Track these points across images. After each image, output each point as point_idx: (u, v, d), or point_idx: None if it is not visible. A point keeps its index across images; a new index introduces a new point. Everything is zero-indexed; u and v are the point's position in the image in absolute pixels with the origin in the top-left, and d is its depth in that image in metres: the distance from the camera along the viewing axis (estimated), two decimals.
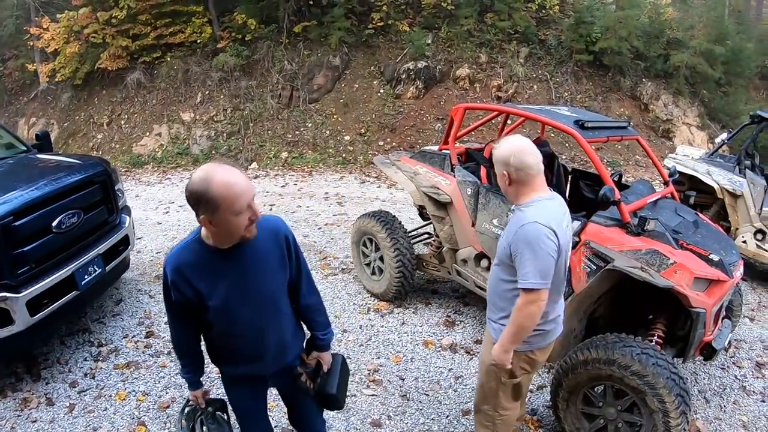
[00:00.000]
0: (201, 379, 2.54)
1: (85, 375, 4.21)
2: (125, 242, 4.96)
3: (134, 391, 4.04)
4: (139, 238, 6.77)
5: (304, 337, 2.63)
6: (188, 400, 2.57)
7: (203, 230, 2.12)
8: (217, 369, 2.65)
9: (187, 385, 2.53)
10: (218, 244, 2.11)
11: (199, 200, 1.93)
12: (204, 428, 2.49)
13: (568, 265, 2.78)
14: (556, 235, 2.52)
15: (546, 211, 2.59)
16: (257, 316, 2.26)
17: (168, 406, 3.87)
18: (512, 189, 2.71)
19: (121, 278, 5.52)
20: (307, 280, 2.48)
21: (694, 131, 13.37)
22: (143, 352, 4.52)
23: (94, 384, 4.10)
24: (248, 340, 2.32)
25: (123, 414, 3.80)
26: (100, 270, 4.48)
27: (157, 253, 6.51)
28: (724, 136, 7.58)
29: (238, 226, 2.01)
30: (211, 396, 2.65)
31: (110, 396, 3.97)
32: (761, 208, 6.53)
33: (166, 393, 4.03)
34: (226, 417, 2.63)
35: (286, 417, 2.93)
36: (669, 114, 13.35)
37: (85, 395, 3.97)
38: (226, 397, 2.66)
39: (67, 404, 3.89)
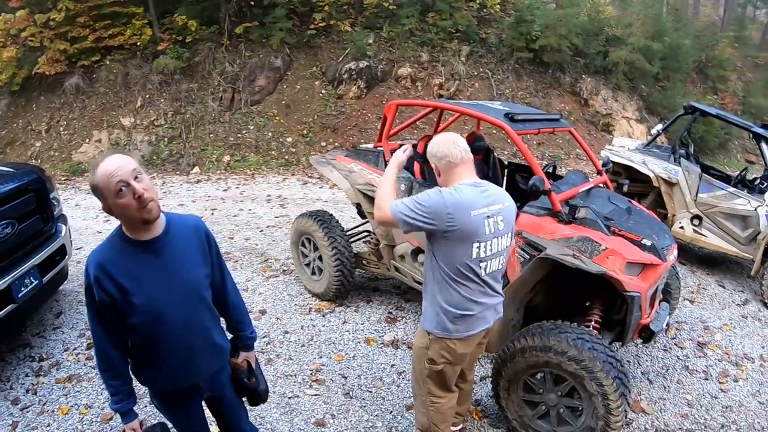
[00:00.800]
0: (135, 408, 2.28)
1: (27, 391, 4.02)
2: (62, 252, 4.76)
3: (77, 404, 3.89)
4: (79, 248, 6.56)
5: (227, 339, 2.52)
6: None
7: (122, 224, 2.11)
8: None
9: (122, 418, 2.24)
10: (137, 233, 2.08)
11: (94, 191, 2.01)
12: None
13: (491, 254, 2.74)
14: (452, 216, 2.58)
15: (458, 194, 2.64)
16: (183, 311, 2.18)
17: (111, 418, 3.73)
18: (441, 179, 2.81)
19: (60, 290, 5.33)
20: (230, 279, 2.48)
21: (633, 124, 13.71)
22: (84, 365, 4.35)
23: (36, 400, 3.92)
24: (178, 341, 2.20)
25: (66, 429, 3.65)
26: (37, 282, 4.26)
27: None
28: (659, 126, 7.75)
29: (128, 207, 1.97)
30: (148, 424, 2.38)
31: (53, 411, 3.81)
32: (696, 195, 6.68)
33: (109, 405, 3.86)
34: None
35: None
36: (608, 108, 13.65)
37: (27, 412, 3.80)
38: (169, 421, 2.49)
39: (10, 422, 3.71)
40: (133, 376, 2.29)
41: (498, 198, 2.79)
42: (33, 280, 4.21)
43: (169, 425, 2.44)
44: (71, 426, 3.66)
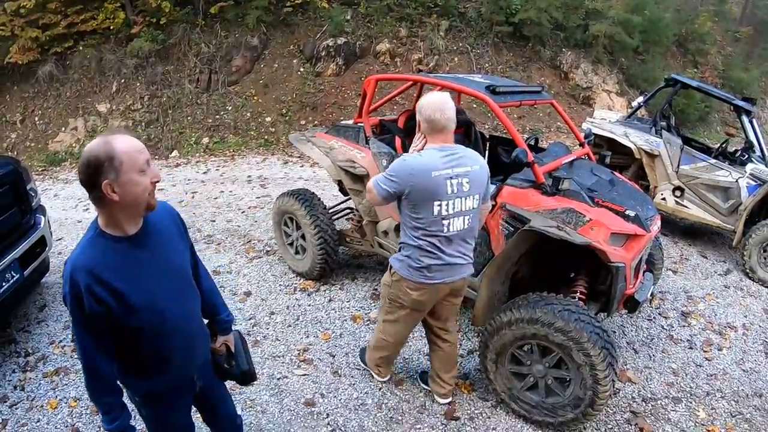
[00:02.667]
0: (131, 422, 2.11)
1: (15, 387, 3.94)
2: (42, 244, 4.65)
3: (65, 397, 3.81)
4: (59, 239, 6.44)
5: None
6: None
7: (101, 220, 1.89)
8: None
9: None
10: (124, 227, 1.90)
11: (102, 162, 1.74)
12: None
13: (454, 212, 2.96)
14: (414, 176, 2.86)
15: (420, 158, 2.93)
16: (180, 300, 2.11)
17: None
18: (421, 135, 3.06)
19: (42, 282, 5.21)
20: (201, 263, 2.43)
21: (613, 97, 13.72)
22: (71, 357, 4.26)
23: (24, 396, 3.84)
24: (181, 332, 2.13)
25: (56, 423, 3.58)
26: (18, 275, 4.16)
27: None
28: (640, 99, 7.76)
29: (144, 188, 1.82)
30: None
31: (42, 406, 3.73)
32: (678, 167, 6.71)
33: None
34: None
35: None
36: (589, 82, 13.63)
37: (16, 409, 3.71)
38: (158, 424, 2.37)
39: (0, 420, 3.63)
40: (132, 386, 2.19)
41: (466, 161, 2.97)
42: (14, 274, 4.12)
43: None
44: (61, 420, 3.60)
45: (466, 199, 2.95)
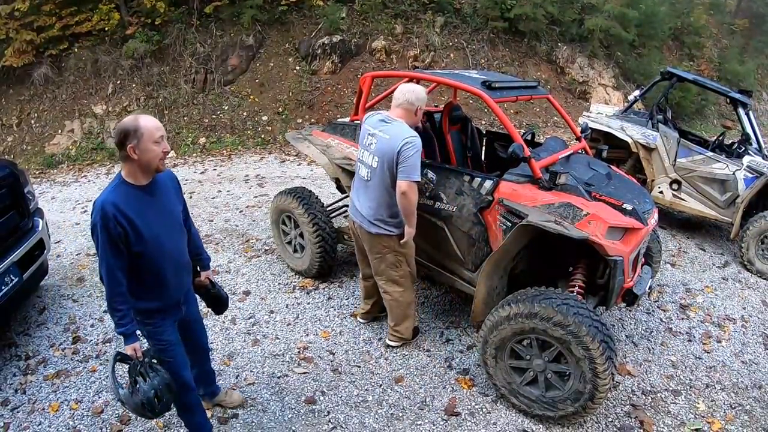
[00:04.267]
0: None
1: (16, 391, 3.92)
2: (41, 247, 4.65)
3: (67, 400, 3.81)
4: (58, 242, 6.41)
5: None
6: (116, 357, 2.73)
7: (124, 172, 2.58)
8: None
9: (125, 340, 2.67)
10: (139, 179, 2.60)
11: (129, 131, 2.46)
12: (146, 380, 2.65)
13: (359, 160, 3.81)
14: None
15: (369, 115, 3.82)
16: (173, 237, 2.81)
17: (102, 411, 3.67)
18: None
19: (42, 285, 5.21)
20: (190, 217, 3.14)
21: (609, 91, 13.71)
22: (72, 359, 4.26)
23: (25, 399, 3.83)
24: (174, 261, 2.80)
25: (58, 425, 3.58)
26: (17, 279, 4.16)
27: (77, 254, 6.11)
28: (636, 92, 7.76)
29: (156, 155, 2.54)
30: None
31: (43, 409, 3.73)
32: (675, 160, 6.71)
33: (99, 398, 3.82)
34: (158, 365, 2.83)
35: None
36: (585, 76, 13.63)
37: (18, 412, 3.70)
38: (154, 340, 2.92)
39: (1, 424, 3.62)
40: (133, 302, 2.71)
41: (387, 130, 3.57)
42: (13, 278, 4.12)
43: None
44: (63, 423, 3.60)
45: (369, 155, 3.64)
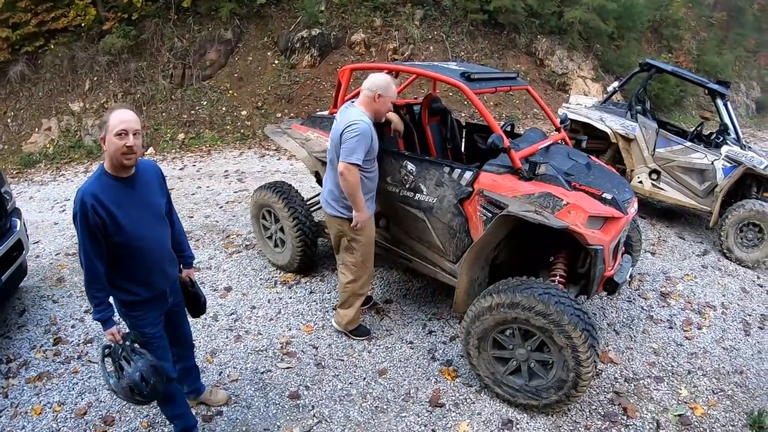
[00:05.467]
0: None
1: None
2: (19, 247, 4.56)
3: (49, 402, 3.74)
4: (37, 242, 6.30)
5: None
6: (104, 351, 2.79)
7: (105, 163, 2.61)
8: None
9: (103, 326, 2.73)
10: (118, 171, 2.61)
11: (102, 122, 2.53)
12: (131, 364, 2.68)
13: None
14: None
15: None
16: (155, 229, 2.80)
17: (85, 413, 3.61)
18: None
19: (21, 287, 5.11)
20: (174, 210, 3.12)
21: (589, 83, 13.80)
22: (53, 361, 4.19)
23: (8, 403, 3.74)
24: (155, 253, 2.80)
25: (41, 429, 3.51)
26: None
27: (56, 254, 6.01)
28: (615, 84, 7.80)
29: (117, 148, 2.50)
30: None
31: (26, 413, 3.65)
32: (654, 150, 6.76)
33: (82, 399, 3.76)
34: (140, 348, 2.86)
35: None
36: (564, 68, 13.70)
37: (0, 416, 3.63)
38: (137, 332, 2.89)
39: None
40: (117, 294, 2.78)
41: (341, 115, 3.78)
42: None
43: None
44: (46, 426, 3.54)
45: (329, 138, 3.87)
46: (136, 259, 2.73)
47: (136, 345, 2.78)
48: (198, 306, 3.32)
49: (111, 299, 2.75)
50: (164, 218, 2.92)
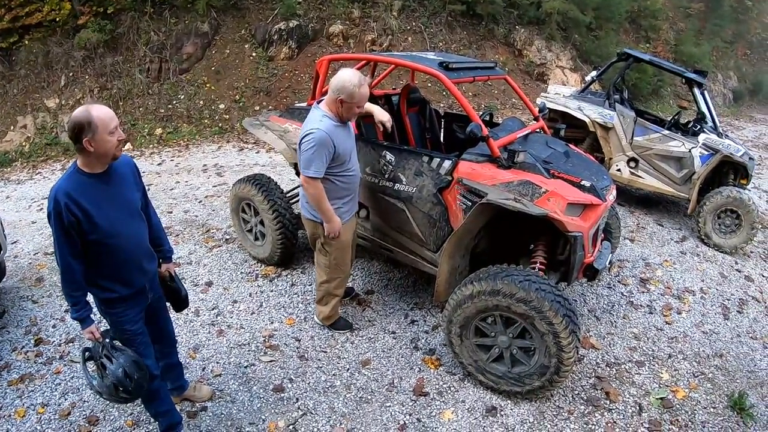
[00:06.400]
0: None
1: None
2: None
3: (33, 404, 3.68)
4: (15, 242, 6.18)
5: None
6: (84, 353, 2.76)
7: (79, 161, 2.55)
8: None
9: (81, 325, 2.71)
10: (94, 168, 2.57)
11: (83, 125, 2.42)
12: (113, 361, 2.66)
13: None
14: None
15: None
16: (130, 225, 2.76)
17: (69, 413, 3.56)
18: None
19: (0, 287, 5.02)
20: (151, 204, 3.11)
21: (567, 73, 13.86)
22: (35, 362, 4.12)
23: None
24: (131, 249, 2.76)
25: (25, 431, 3.46)
26: None
27: (35, 254, 5.90)
28: (593, 73, 7.82)
29: (113, 145, 2.51)
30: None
31: (9, 416, 3.59)
32: (632, 138, 6.82)
33: (65, 400, 3.70)
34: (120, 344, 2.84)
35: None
36: (543, 58, 13.75)
37: None
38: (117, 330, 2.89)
39: None
40: (96, 292, 2.75)
41: (306, 118, 3.58)
42: None
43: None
44: (30, 428, 3.48)
45: None
46: (112, 256, 2.70)
47: (116, 342, 2.76)
48: (179, 300, 3.28)
49: (90, 298, 2.72)
50: (140, 213, 2.89)
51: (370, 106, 4.03)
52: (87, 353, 2.73)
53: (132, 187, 2.84)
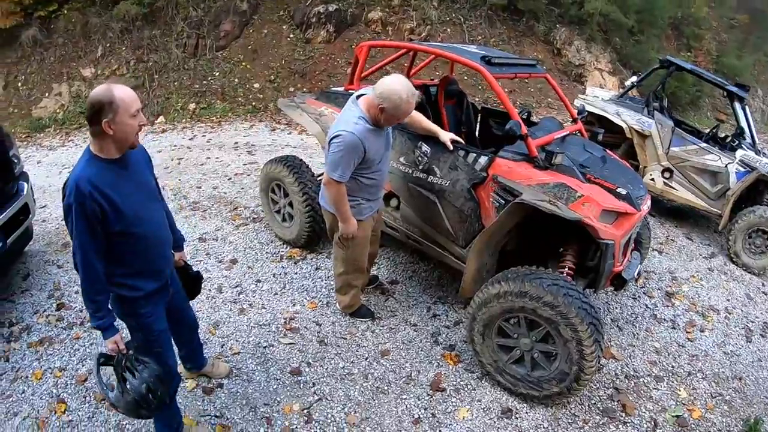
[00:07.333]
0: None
1: None
2: (25, 211, 4.52)
3: (50, 368, 3.74)
4: (43, 207, 6.27)
5: None
6: (98, 360, 2.55)
7: (94, 147, 2.34)
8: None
9: (103, 334, 2.50)
10: (112, 153, 2.36)
11: (104, 105, 2.21)
12: (135, 375, 2.48)
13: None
14: None
15: None
16: (152, 211, 2.61)
17: (86, 379, 3.61)
18: None
19: (26, 251, 5.10)
20: (160, 188, 2.90)
21: (605, 76, 13.64)
22: (56, 326, 4.18)
23: (9, 367, 3.75)
24: (156, 237, 2.61)
25: (41, 394, 3.51)
26: (0, 244, 4.05)
27: (62, 220, 5.93)
28: (634, 78, 7.71)
29: (133, 129, 2.32)
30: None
31: (26, 377, 3.65)
32: (668, 148, 6.70)
33: (83, 365, 3.75)
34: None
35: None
36: (581, 59, 13.53)
37: (1, 380, 3.63)
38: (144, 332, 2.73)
39: None
40: (120, 292, 2.55)
41: (341, 113, 3.49)
42: None
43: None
44: (46, 390, 3.54)
45: None
46: (137, 246, 2.52)
47: (139, 354, 2.57)
48: (196, 287, 3.23)
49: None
50: (159, 199, 2.76)
51: (434, 128, 3.90)
52: (102, 359, 2.54)
53: (147, 172, 2.68)
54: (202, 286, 3.40)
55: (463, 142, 3.92)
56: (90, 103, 2.24)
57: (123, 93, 2.26)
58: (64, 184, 2.32)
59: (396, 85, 3.15)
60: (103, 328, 2.47)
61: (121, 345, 2.52)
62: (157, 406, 2.53)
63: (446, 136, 3.82)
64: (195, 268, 3.25)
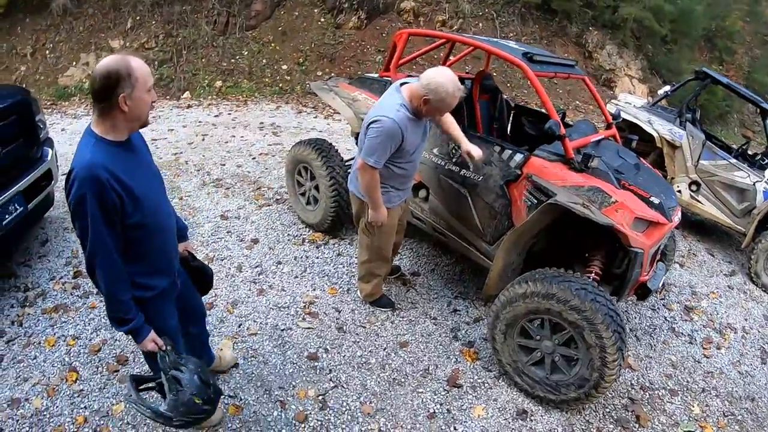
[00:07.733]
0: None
1: (12, 323, 3.85)
2: (48, 177, 4.52)
3: (64, 335, 3.75)
4: (65, 174, 6.25)
5: None
6: (137, 384, 2.33)
7: (100, 128, 2.06)
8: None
9: (137, 338, 2.26)
10: (122, 134, 2.11)
11: (122, 75, 1.95)
12: (183, 369, 2.31)
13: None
14: None
15: None
16: (162, 193, 2.40)
17: (99, 350, 3.61)
18: None
19: (46, 217, 5.12)
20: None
21: (635, 83, 13.51)
22: (71, 294, 4.19)
23: (22, 332, 3.76)
24: (168, 227, 2.42)
25: (53, 361, 3.52)
26: (21, 208, 4.04)
27: None
28: (667, 88, 7.60)
29: (147, 105, 2.09)
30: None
31: (39, 343, 3.66)
32: (698, 161, 6.61)
33: (97, 335, 3.76)
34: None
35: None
36: (612, 64, 13.40)
37: (13, 344, 3.64)
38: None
39: None
40: (135, 293, 2.26)
41: (381, 99, 3.50)
42: (17, 207, 4.00)
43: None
44: (58, 358, 3.54)
45: None
46: (152, 237, 2.27)
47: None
48: (206, 281, 2.92)
49: None
50: (164, 184, 2.48)
51: (460, 135, 3.73)
52: (140, 382, 2.34)
53: (148, 152, 2.42)
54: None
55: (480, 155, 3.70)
56: (102, 74, 1.94)
57: (138, 64, 2.02)
58: (68, 175, 2.04)
59: (443, 78, 3.09)
60: (136, 329, 2.24)
61: (160, 341, 2.31)
62: (215, 395, 2.38)
63: (466, 147, 3.64)
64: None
